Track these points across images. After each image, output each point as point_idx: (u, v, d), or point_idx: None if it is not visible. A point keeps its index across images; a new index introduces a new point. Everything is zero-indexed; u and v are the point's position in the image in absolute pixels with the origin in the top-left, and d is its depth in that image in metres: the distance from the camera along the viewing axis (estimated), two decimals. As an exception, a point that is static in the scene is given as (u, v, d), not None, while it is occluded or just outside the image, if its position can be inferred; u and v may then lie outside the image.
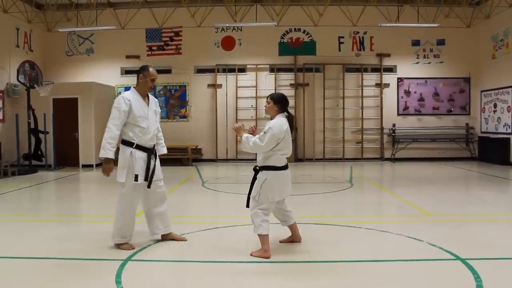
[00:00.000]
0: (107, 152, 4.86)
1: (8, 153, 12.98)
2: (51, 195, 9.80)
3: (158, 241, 5.29)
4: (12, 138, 13.02)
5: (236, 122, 5.50)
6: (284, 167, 4.83)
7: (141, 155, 4.99)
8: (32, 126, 13.09)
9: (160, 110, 5.46)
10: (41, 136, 13.31)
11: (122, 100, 4.96)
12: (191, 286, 3.97)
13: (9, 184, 10.43)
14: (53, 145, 13.57)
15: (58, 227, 6.36)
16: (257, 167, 4.85)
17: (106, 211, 7.48)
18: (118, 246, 5.01)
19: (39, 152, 13.35)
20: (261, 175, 4.76)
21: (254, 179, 4.83)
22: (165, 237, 5.33)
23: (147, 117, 5.05)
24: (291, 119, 4.89)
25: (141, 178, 4.95)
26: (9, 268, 4.50)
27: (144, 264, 4.59)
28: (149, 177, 5.02)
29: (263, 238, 4.70)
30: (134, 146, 4.98)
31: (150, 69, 5.13)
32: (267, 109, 4.95)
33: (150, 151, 5.08)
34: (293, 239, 5.22)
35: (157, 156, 5.26)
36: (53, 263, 4.62)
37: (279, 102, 4.87)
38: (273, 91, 15.74)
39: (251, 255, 4.71)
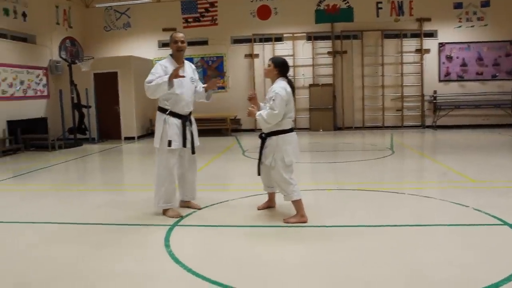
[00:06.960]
0: (163, 81, 4.79)
1: (54, 128, 13.40)
2: (96, 166, 10.13)
3: (201, 208, 5.41)
4: (57, 113, 13.48)
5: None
6: (292, 130, 4.83)
7: (175, 122, 5.05)
8: (75, 101, 13.44)
9: (197, 77, 5.48)
10: (84, 110, 13.67)
11: (158, 66, 5.06)
12: (232, 248, 4.07)
13: (56, 157, 10.83)
14: (96, 119, 13.95)
15: (104, 195, 6.60)
16: (263, 134, 4.84)
17: (149, 180, 7.70)
18: (164, 212, 5.13)
19: (83, 126, 13.74)
20: (271, 141, 4.76)
21: (262, 146, 4.86)
22: (184, 204, 5.47)
23: (182, 84, 5.06)
24: (291, 84, 4.86)
25: (175, 144, 5.02)
26: (61, 232, 4.72)
27: (190, 228, 4.73)
28: (189, 143, 5.13)
29: (298, 203, 4.74)
30: (167, 113, 5.05)
31: (174, 33, 5.20)
32: (266, 72, 4.93)
33: (184, 118, 5.12)
34: (270, 204, 5.29)
35: (193, 123, 5.28)
36: (102, 229, 4.81)
37: (279, 66, 4.83)
38: (310, 60, 15.63)
39: (286, 222, 4.71)
